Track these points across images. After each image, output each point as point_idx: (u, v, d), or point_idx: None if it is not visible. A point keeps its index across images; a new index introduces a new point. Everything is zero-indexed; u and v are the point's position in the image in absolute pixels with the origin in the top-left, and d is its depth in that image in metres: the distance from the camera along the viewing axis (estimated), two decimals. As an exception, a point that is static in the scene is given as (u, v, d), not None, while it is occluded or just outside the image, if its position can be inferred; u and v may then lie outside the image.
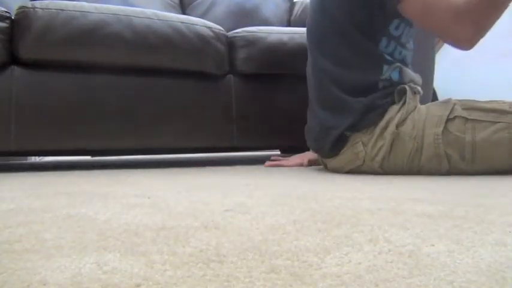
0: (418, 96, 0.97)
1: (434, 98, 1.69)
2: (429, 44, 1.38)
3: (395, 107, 0.94)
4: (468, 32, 0.89)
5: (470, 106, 0.89)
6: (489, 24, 0.89)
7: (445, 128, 0.88)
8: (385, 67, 0.97)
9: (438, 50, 2.69)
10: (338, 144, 0.99)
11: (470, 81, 2.52)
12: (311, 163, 1.27)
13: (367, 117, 0.95)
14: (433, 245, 0.32)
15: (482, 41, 0.91)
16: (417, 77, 1.03)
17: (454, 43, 0.92)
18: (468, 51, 0.93)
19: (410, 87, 0.96)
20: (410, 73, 1.00)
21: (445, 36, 0.93)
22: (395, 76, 0.98)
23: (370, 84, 0.97)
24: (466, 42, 0.91)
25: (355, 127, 0.96)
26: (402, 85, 0.96)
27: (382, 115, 0.94)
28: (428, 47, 1.38)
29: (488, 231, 0.37)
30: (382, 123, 0.93)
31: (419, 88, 0.98)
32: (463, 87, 2.53)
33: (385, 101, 0.95)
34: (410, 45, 1.03)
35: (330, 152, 1.01)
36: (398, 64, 0.98)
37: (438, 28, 0.92)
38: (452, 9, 0.88)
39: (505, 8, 0.88)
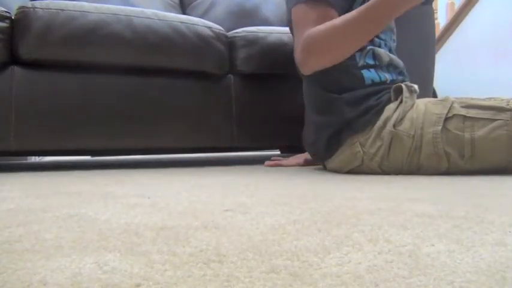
0: (415, 95, 0.97)
1: (434, 97, 1.69)
2: (429, 44, 1.38)
3: (392, 106, 0.94)
4: (302, 59, 0.97)
5: (469, 104, 0.89)
6: (331, 56, 0.96)
7: (444, 126, 0.89)
8: (357, 54, 0.99)
9: (438, 50, 2.70)
10: (332, 145, 0.99)
11: (470, 81, 2.52)
12: (308, 163, 1.27)
13: (363, 118, 0.95)
14: (433, 245, 0.32)
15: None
16: (395, 58, 1.04)
17: (298, 64, 0.99)
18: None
19: (407, 86, 0.96)
20: (384, 53, 1.01)
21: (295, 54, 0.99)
22: (370, 61, 0.99)
23: (353, 78, 0.97)
24: (303, 69, 1.00)
25: (352, 128, 0.96)
26: (398, 84, 0.97)
27: (378, 115, 0.94)
28: (428, 47, 1.38)
29: (488, 231, 0.37)
30: (379, 123, 0.93)
31: (415, 87, 0.98)
32: (463, 87, 2.53)
33: (379, 101, 0.95)
34: None
35: (326, 152, 1.01)
36: (370, 47, 0.99)
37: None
38: (301, 39, 0.95)
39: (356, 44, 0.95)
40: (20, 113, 1.13)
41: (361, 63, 0.98)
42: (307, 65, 0.97)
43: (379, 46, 1.02)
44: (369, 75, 0.98)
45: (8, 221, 0.44)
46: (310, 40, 0.93)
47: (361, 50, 0.99)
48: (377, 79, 0.99)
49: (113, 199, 0.59)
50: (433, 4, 1.44)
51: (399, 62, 1.05)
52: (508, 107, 0.87)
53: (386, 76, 1.00)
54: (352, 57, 0.99)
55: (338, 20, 0.91)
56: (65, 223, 0.42)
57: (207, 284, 0.25)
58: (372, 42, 1.01)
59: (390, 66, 1.03)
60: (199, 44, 1.28)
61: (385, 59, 1.01)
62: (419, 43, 1.32)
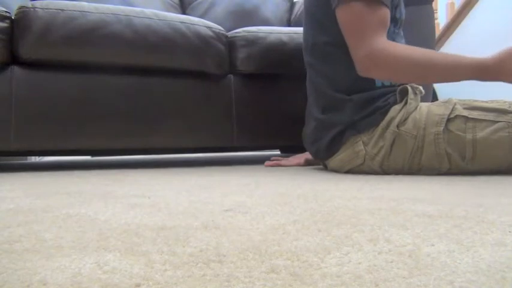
0: (419, 96, 0.98)
1: (434, 97, 1.69)
2: (429, 44, 1.38)
3: (396, 107, 0.94)
4: (365, 65, 0.92)
5: (471, 105, 0.90)
6: (402, 80, 0.96)
7: (446, 127, 0.89)
8: None
9: (438, 50, 2.69)
10: (334, 144, 0.99)
11: (470, 82, 2.52)
12: (308, 162, 1.27)
13: (369, 119, 0.95)
14: (433, 245, 0.32)
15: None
16: None
17: (356, 65, 0.95)
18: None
19: (412, 88, 0.96)
20: None
21: (352, 54, 0.95)
22: None
23: (364, 80, 0.97)
24: (361, 72, 0.94)
25: (357, 128, 0.96)
26: (404, 85, 0.97)
27: (383, 115, 0.94)
28: (428, 47, 1.38)
29: (488, 231, 0.37)
30: (383, 123, 0.94)
31: (421, 88, 0.99)
32: (463, 87, 2.53)
33: (386, 103, 0.96)
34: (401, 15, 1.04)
35: (327, 151, 1.01)
36: None
37: (350, 47, 0.95)
38: (369, 44, 0.90)
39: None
40: (20, 113, 1.13)
41: None
42: (367, 72, 0.94)
43: None
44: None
45: (8, 221, 0.44)
46: (384, 56, 0.90)
47: None
48: (387, 82, 0.99)
49: (113, 199, 0.59)
50: (433, 4, 1.44)
51: None
52: (510, 109, 0.87)
53: None
54: None
55: (421, 56, 0.89)
56: (65, 223, 0.42)
57: (207, 284, 0.25)
58: None
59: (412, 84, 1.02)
60: (199, 44, 1.28)
61: None
62: (420, 43, 1.32)
